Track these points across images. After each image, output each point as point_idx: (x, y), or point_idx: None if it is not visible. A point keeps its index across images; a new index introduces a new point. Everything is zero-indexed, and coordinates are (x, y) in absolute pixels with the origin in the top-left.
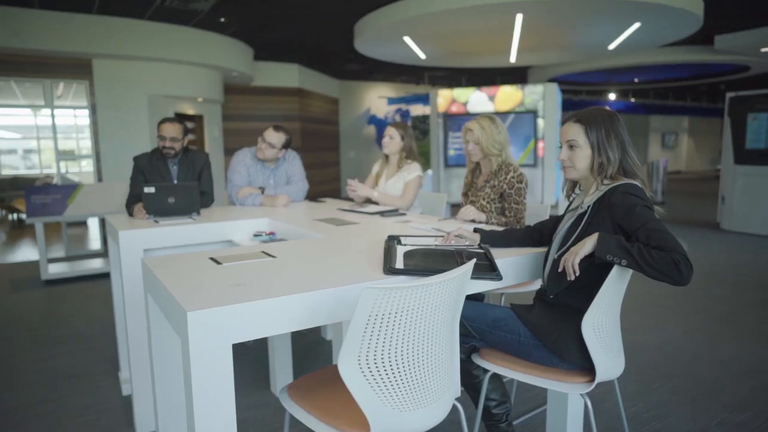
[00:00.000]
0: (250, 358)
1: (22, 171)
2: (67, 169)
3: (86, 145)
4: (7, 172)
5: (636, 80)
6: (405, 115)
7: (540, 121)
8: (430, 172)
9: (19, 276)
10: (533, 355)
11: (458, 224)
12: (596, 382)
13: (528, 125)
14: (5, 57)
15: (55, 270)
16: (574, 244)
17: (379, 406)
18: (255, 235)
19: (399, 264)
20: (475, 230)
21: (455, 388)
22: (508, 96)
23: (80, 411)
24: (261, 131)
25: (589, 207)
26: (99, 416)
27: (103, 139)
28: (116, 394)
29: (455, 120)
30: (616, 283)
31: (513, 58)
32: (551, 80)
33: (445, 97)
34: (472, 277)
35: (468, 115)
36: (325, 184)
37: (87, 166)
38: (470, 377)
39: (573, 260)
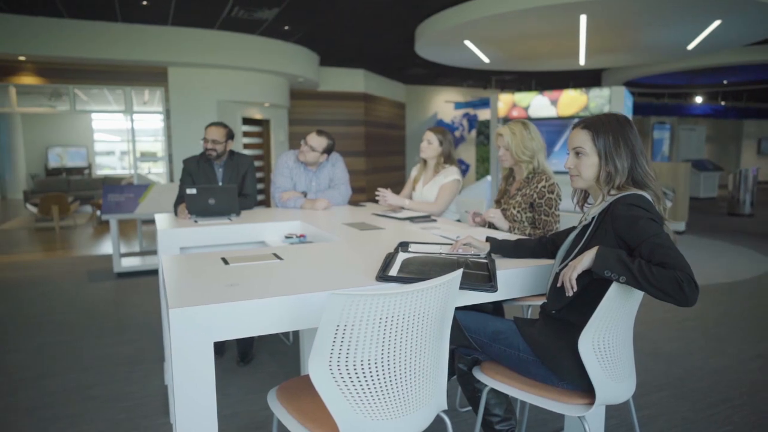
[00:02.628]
0: (290, 353)
1: (119, 171)
2: (149, 169)
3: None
4: (102, 172)
5: (725, 82)
6: (472, 119)
7: None
8: (489, 178)
9: (95, 268)
10: (532, 372)
11: (472, 231)
12: (596, 405)
13: None
14: (91, 67)
15: (128, 264)
16: (576, 257)
17: (350, 412)
18: (286, 237)
19: (393, 271)
20: (487, 239)
21: (439, 400)
22: (571, 100)
23: (125, 397)
24: None
25: (593, 219)
26: (140, 402)
27: (175, 142)
28: (160, 383)
29: None
30: (619, 300)
31: (582, 61)
32: (627, 83)
33: (505, 102)
34: (463, 288)
35: (530, 120)
36: (392, 188)
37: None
38: (472, 390)
39: (570, 275)
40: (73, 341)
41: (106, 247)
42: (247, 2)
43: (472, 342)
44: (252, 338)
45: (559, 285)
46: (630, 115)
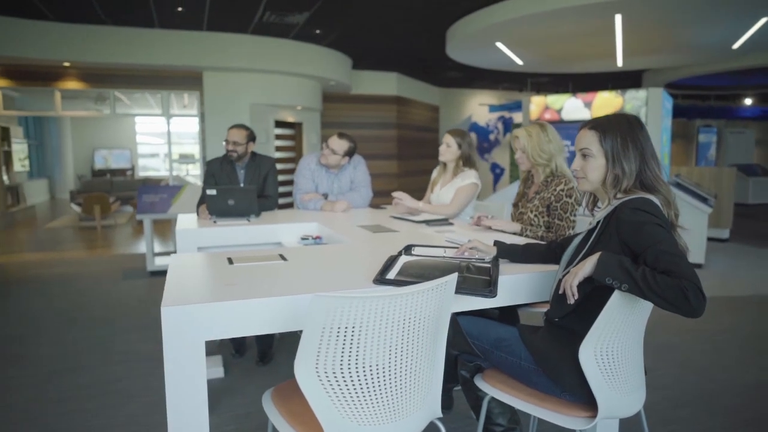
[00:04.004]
0: None
1: (162, 173)
2: (187, 171)
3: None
4: (145, 173)
5: None
6: (507, 122)
7: None
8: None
9: (130, 266)
10: (533, 381)
11: (478, 234)
12: (598, 418)
13: None
14: (130, 71)
15: (161, 262)
16: (580, 263)
17: (336, 417)
18: (302, 239)
19: (392, 274)
20: (495, 243)
21: (433, 407)
22: (606, 102)
23: (147, 391)
24: (358, 138)
25: (598, 223)
26: (161, 398)
27: (209, 145)
28: None
29: None
30: (623, 309)
31: (620, 62)
32: (669, 85)
33: (538, 104)
34: (461, 292)
35: (562, 123)
36: (421, 192)
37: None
38: (474, 398)
39: (571, 282)
40: (103, 336)
41: (142, 246)
42: (278, 7)
43: (474, 348)
44: (272, 338)
45: (561, 292)
46: (670, 118)
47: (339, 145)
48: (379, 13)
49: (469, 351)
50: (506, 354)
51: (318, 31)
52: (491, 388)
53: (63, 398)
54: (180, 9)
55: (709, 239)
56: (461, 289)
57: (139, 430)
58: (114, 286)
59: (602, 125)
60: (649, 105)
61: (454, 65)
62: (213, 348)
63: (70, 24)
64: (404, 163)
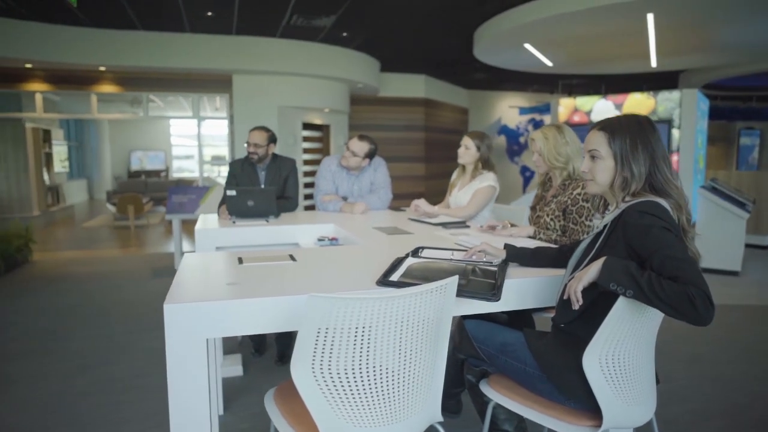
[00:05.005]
0: None
1: (196, 174)
2: (219, 172)
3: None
4: (180, 175)
5: None
6: (538, 125)
7: (675, 132)
8: None
9: (159, 265)
10: (537, 388)
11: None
12: (603, 428)
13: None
14: (162, 75)
15: None
16: (585, 267)
17: (332, 417)
18: (319, 240)
19: (396, 276)
20: (505, 246)
21: (432, 411)
22: (637, 104)
23: (165, 388)
24: (386, 141)
25: (605, 227)
26: None
27: (238, 146)
28: None
29: (576, 131)
30: (630, 315)
31: (654, 63)
32: (708, 86)
33: (566, 106)
34: (464, 296)
35: (591, 125)
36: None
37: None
38: (481, 404)
39: (576, 287)
40: (129, 333)
41: (173, 245)
42: (305, 10)
43: (480, 353)
44: (291, 338)
45: (565, 297)
46: (705, 120)
47: (359, 147)
48: (405, 16)
49: (475, 355)
50: (511, 359)
51: (345, 34)
52: (496, 394)
53: (90, 391)
54: (210, 14)
55: (748, 246)
56: (464, 292)
57: (161, 424)
58: (143, 285)
59: (611, 126)
60: (682, 107)
61: (483, 67)
62: (233, 347)
63: (106, 30)
64: (431, 166)
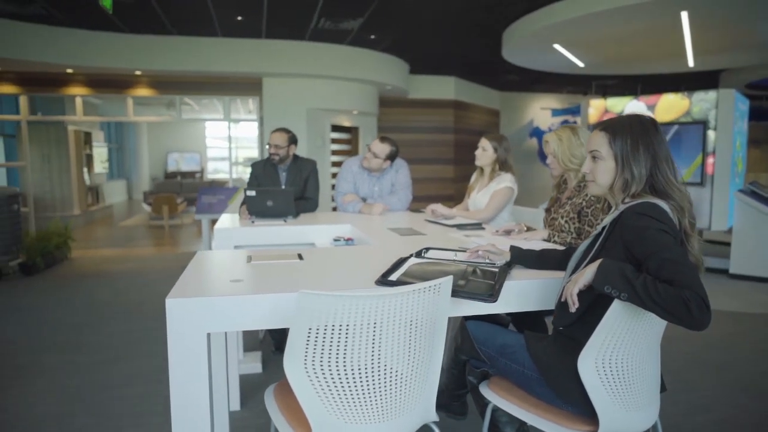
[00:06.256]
0: None
1: (235, 176)
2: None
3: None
4: (216, 176)
5: None
6: None
7: (711, 133)
8: None
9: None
10: (536, 391)
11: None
12: None
13: (695, 138)
14: (195, 78)
15: None
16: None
17: (323, 413)
18: (334, 240)
19: (395, 276)
20: (511, 248)
21: (426, 411)
22: (671, 105)
23: None
24: (414, 143)
25: (604, 228)
26: None
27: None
28: None
29: None
30: (627, 319)
31: (691, 62)
32: (750, 84)
33: (597, 107)
34: (460, 296)
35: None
36: None
37: None
38: (482, 405)
39: (572, 290)
40: (154, 329)
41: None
42: (332, 14)
43: (480, 354)
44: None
45: (562, 300)
46: (745, 121)
47: (380, 148)
48: (432, 18)
49: (476, 356)
50: (510, 361)
51: (372, 37)
52: (495, 396)
53: (117, 383)
54: (239, 18)
55: None
56: (461, 292)
57: None
58: (173, 282)
59: (613, 126)
60: (719, 107)
61: (513, 68)
62: (254, 344)
63: (141, 35)
64: (461, 168)
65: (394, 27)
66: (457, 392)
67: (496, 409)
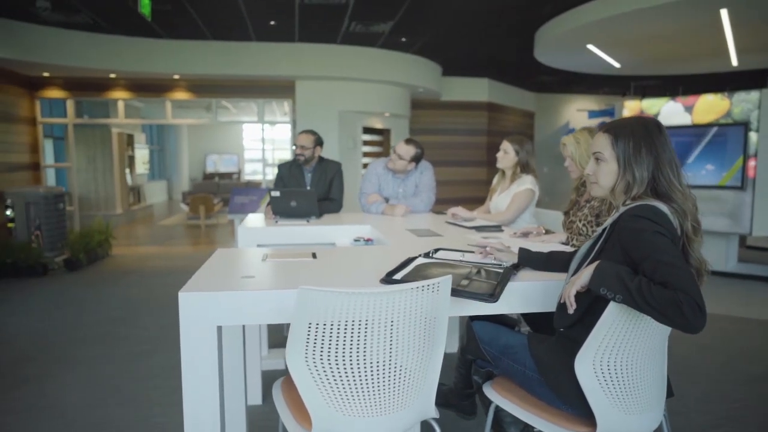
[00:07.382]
0: None
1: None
2: None
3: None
4: (254, 177)
5: None
6: None
7: (752, 135)
8: None
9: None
10: (536, 391)
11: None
12: None
13: (735, 140)
14: (230, 82)
15: None
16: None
17: (323, 406)
18: (354, 240)
19: (400, 275)
20: (519, 249)
21: (424, 407)
22: (710, 106)
23: None
24: (447, 145)
25: (604, 230)
26: None
27: None
28: None
29: None
30: (626, 320)
31: (735, 61)
32: None
33: (631, 109)
34: (461, 296)
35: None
36: None
37: None
38: (487, 405)
39: (570, 292)
40: (174, 326)
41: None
42: (363, 17)
43: (485, 354)
44: None
45: (561, 302)
46: None
47: (405, 150)
48: (463, 20)
49: (480, 356)
50: (512, 362)
51: (404, 39)
52: (497, 396)
53: (149, 375)
54: (273, 23)
55: None
56: (462, 292)
57: None
58: None
59: (616, 128)
60: (762, 108)
61: (547, 70)
62: (281, 340)
63: (179, 40)
64: (494, 170)
65: (425, 29)
66: (465, 391)
67: (500, 409)
